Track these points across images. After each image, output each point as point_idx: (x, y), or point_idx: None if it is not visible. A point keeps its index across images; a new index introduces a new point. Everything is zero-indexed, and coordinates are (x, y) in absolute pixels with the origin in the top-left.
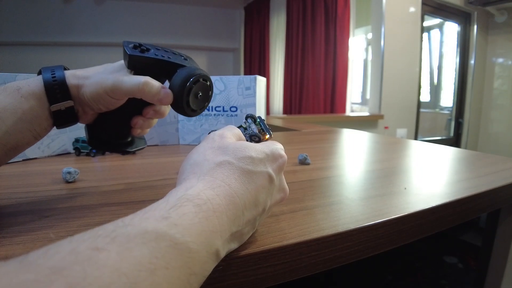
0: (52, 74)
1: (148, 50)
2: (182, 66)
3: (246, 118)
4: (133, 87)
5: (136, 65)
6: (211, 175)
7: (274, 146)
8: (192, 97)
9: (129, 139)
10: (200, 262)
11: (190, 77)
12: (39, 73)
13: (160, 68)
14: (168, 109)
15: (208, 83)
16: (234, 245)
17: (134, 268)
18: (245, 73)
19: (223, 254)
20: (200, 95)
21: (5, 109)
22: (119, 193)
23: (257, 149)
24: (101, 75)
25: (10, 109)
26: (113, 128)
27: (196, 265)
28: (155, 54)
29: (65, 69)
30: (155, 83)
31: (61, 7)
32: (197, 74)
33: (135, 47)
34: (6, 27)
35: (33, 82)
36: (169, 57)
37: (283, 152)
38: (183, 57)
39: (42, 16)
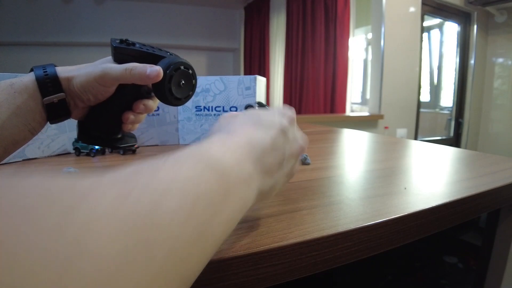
0: (44, 70)
1: (133, 44)
2: (164, 57)
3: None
4: (121, 71)
5: (122, 57)
6: (227, 131)
7: (280, 107)
8: (174, 85)
9: (120, 135)
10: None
11: (171, 65)
12: (31, 71)
13: (143, 60)
14: (156, 103)
15: (190, 71)
16: (267, 181)
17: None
18: (245, 73)
19: (257, 184)
20: (183, 83)
21: (0, 104)
22: None
23: (264, 110)
24: (90, 67)
25: (4, 104)
26: (104, 124)
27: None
28: (140, 48)
29: (55, 66)
30: (141, 64)
31: (61, 7)
32: (177, 62)
33: (121, 41)
34: (6, 27)
35: (25, 78)
36: (153, 50)
37: (292, 111)
38: (168, 53)
39: (42, 16)
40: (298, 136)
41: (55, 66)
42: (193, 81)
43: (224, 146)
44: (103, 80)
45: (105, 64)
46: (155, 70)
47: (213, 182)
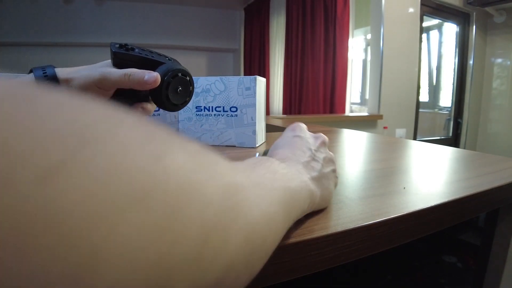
0: (43, 72)
1: (132, 49)
2: (163, 63)
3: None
4: (120, 76)
5: (120, 62)
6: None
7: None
8: (171, 91)
9: None
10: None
11: (169, 71)
12: (30, 72)
13: (142, 65)
14: (154, 106)
15: (188, 78)
16: (316, 189)
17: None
18: (245, 74)
19: (313, 188)
20: (180, 90)
21: None
22: None
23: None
24: (89, 70)
25: None
26: None
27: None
28: (139, 53)
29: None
30: (140, 70)
31: (61, 7)
32: (175, 69)
33: (120, 46)
34: (6, 27)
35: (25, 79)
36: (152, 56)
37: (323, 136)
38: (167, 58)
39: (42, 16)
40: (327, 153)
41: (54, 67)
42: (190, 87)
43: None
44: (101, 84)
45: (104, 68)
46: (153, 76)
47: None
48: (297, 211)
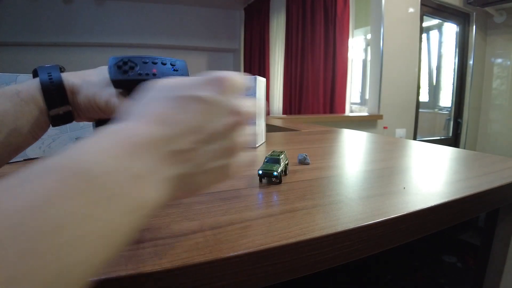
0: (49, 78)
1: (132, 68)
2: None
3: None
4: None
5: (120, 86)
6: (133, 116)
7: (212, 73)
8: None
9: None
10: (119, 186)
11: None
12: (35, 72)
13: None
14: None
15: None
16: (183, 167)
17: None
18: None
19: (164, 174)
20: None
21: (6, 112)
22: None
23: (186, 78)
24: (95, 87)
25: (11, 113)
26: None
27: (114, 189)
28: (139, 74)
29: (60, 69)
30: None
31: (61, 7)
32: None
33: (119, 66)
34: (6, 27)
35: (31, 85)
36: (153, 74)
37: (226, 74)
38: (172, 68)
39: (42, 16)
40: (233, 106)
41: (60, 67)
42: None
43: (108, 144)
44: (105, 112)
45: (110, 95)
46: None
47: (78, 193)
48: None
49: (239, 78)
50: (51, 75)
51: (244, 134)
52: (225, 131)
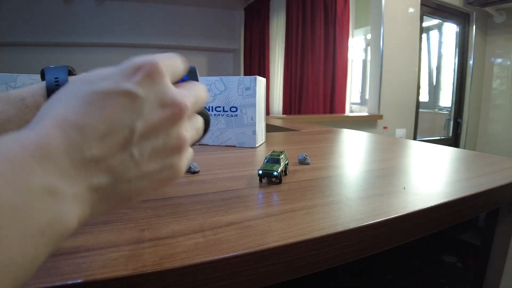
0: (56, 82)
1: None
2: None
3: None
4: None
5: None
6: (38, 119)
7: (136, 58)
8: None
9: None
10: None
11: None
12: (42, 73)
13: None
14: None
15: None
16: (101, 177)
17: None
18: (245, 74)
19: (76, 189)
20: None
21: (10, 120)
22: None
23: (107, 68)
24: None
25: (15, 120)
26: None
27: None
28: None
29: (70, 71)
30: None
31: (61, 7)
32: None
33: None
34: (6, 27)
35: (37, 92)
36: None
37: (150, 59)
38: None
39: (43, 16)
40: (168, 97)
41: (69, 69)
42: (206, 129)
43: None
44: None
45: None
46: None
47: None
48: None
49: (173, 60)
50: (57, 80)
51: (191, 126)
52: (160, 127)
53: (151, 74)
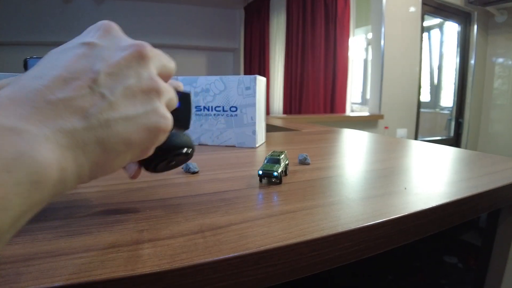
0: None
1: None
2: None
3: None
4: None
5: None
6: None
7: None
8: (163, 165)
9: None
10: None
11: (170, 151)
12: (25, 64)
13: None
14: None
15: (190, 152)
16: (72, 120)
17: None
18: (245, 73)
19: (42, 130)
20: (173, 164)
21: None
22: (120, 193)
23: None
24: None
25: None
26: None
27: None
28: None
29: None
30: (133, 166)
31: (61, 7)
32: (179, 149)
33: None
34: (6, 27)
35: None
36: None
37: (105, 21)
38: (179, 119)
39: (42, 16)
40: (122, 42)
41: None
42: (185, 161)
43: None
44: None
45: None
46: (137, 174)
47: None
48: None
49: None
50: None
51: (160, 63)
52: (127, 65)
53: (106, 29)
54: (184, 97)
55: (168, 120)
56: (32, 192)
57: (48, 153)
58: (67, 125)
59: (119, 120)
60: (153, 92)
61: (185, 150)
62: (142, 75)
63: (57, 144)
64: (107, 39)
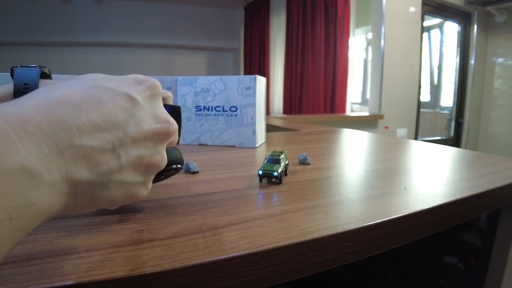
0: (25, 88)
1: None
2: None
3: None
4: None
5: None
6: (36, 94)
7: (137, 75)
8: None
9: None
10: None
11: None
12: (12, 73)
13: None
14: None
15: (178, 168)
16: (83, 171)
17: None
18: (245, 73)
19: (54, 175)
20: (162, 178)
21: None
22: None
23: (105, 75)
24: None
25: None
26: None
27: None
28: None
29: (43, 73)
30: None
31: (60, 7)
32: (169, 165)
33: None
34: (6, 27)
35: (2, 97)
36: None
37: (151, 77)
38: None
39: (42, 16)
40: (163, 114)
41: (42, 69)
42: (176, 173)
43: None
44: None
45: None
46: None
47: None
48: None
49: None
50: (27, 85)
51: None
52: (151, 138)
53: (151, 89)
54: (174, 111)
55: (144, 195)
56: (23, 233)
57: (48, 200)
58: (76, 174)
59: (116, 183)
60: (155, 167)
61: (174, 166)
62: (157, 150)
63: (59, 191)
64: (149, 101)
